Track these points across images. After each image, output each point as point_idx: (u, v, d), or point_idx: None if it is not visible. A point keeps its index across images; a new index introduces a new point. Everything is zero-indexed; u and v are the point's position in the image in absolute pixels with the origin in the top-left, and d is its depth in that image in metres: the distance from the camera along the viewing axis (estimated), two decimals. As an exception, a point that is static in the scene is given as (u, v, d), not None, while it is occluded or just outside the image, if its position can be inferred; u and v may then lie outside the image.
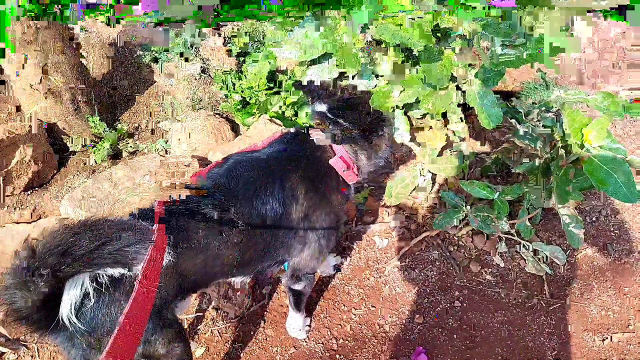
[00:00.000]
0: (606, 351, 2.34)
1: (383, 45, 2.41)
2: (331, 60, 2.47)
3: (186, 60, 4.46)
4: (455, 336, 2.44)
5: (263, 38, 4.53)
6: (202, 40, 4.59)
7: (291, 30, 2.47)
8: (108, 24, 4.66)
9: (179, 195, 1.69)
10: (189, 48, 4.51)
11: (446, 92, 2.42)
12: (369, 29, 2.34)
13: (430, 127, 2.84)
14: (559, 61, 2.16)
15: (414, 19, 2.21)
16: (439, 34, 2.32)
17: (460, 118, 2.69)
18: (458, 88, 2.47)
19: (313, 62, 2.53)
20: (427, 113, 2.56)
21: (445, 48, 2.25)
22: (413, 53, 2.34)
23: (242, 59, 4.44)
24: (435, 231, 2.86)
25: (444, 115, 2.66)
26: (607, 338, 2.38)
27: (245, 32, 4.61)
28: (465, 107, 2.58)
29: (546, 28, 2.12)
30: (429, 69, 2.23)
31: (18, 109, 3.85)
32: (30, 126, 3.53)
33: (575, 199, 2.40)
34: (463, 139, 2.89)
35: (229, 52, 4.53)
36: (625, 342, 2.36)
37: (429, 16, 2.22)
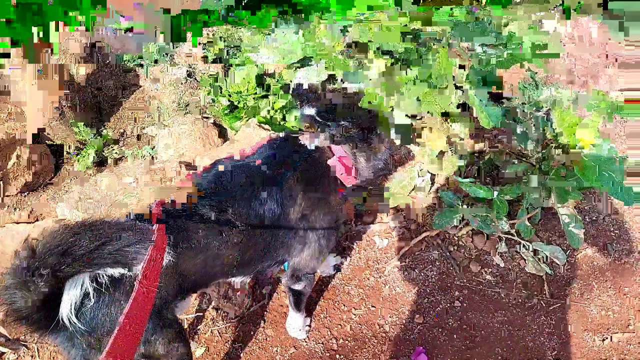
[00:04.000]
0: (606, 351, 2.34)
1: (364, 47, 2.39)
2: (320, 63, 2.45)
3: (172, 64, 4.41)
4: (455, 336, 2.44)
5: (240, 42, 4.44)
6: (176, 47, 4.51)
7: (268, 34, 2.45)
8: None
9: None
10: (163, 55, 4.43)
11: (445, 91, 2.41)
12: (348, 32, 2.33)
13: (430, 128, 2.84)
14: (548, 59, 2.17)
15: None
16: (410, 36, 2.31)
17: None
18: (457, 87, 2.47)
19: (302, 65, 2.52)
20: (429, 112, 2.56)
21: (431, 48, 2.25)
22: (400, 55, 2.34)
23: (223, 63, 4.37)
24: (435, 231, 2.86)
25: (444, 115, 2.66)
26: (607, 338, 2.39)
27: (220, 37, 4.52)
28: (464, 107, 2.58)
29: (515, 26, 2.12)
30: (427, 70, 2.23)
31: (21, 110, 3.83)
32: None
33: (574, 199, 2.40)
34: (462, 139, 2.89)
35: (205, 58, 4.44)
36: (625, 342, 2.36)
37: (403, 18, 2.22)
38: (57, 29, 2.74)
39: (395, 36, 2.15)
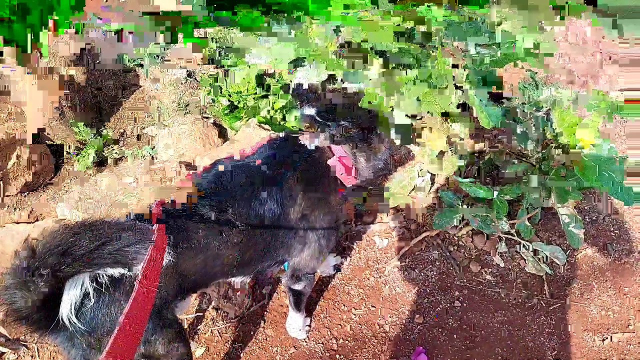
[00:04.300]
0: (606, 351, 2.34)
1: (361, 49, 2.38)
2: (313, 63, 2.44)
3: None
4: (455, 336, 2.44)
5: (232, 44, 4.39)
6: (167, 49, 4.47)
7: (261, 35, 2.44)
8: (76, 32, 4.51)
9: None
10: (155, 57, 4.40)
11: (445, 91, 2.41)
12: (340, 32, 2.32)
13: (430, 128, 2.84)
14: (543, 59, 2.16)
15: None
16: (405, 36, 2.30)
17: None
18: (457, 87, 2.46)
19: (295, 66, 2.51)
20: (429, 112, 2.56)
21: (432, 50, 2.24)
22: (394, 55, 2.32)
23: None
24: (435, 231, 2.86)
25: (444, 115, 2.66)
26: (607, 338, 2.39)
27: (212, 38, 4.49)
28: (464, 107, 2.58)
29: (508, 25, 2.12)
30: (427, 70, 2.23)
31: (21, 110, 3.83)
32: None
33: (574, 199, 2.40)
34: (462, 139, 2.89)
35: (204, 58, 4.40)
36: (625, 342, 2.36)
37: (396, 18, 2.21)
38: (46, 27, 2.73)
39: (388, 36, 2.14)
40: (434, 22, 2.16)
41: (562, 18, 2.21)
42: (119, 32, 3.76)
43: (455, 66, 2.23)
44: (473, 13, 2.21)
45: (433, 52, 2.22)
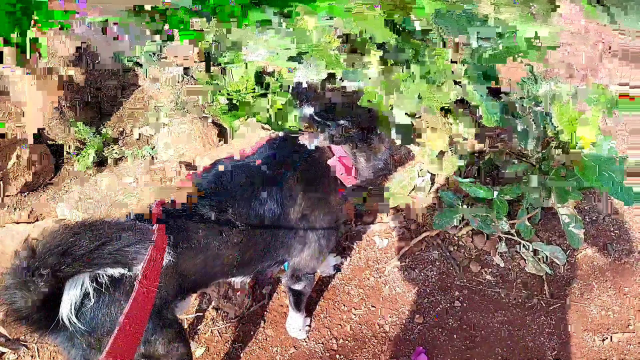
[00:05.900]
0: (606, 351, 2.34)
1: (357, 40, 2.35)
2: (311, 59, 2.41)
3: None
4: (455, 336, 2.44)
5: (227, 37, 4.34)
6: (164, 46, 4.44)
7: (258, 28, 2.41)
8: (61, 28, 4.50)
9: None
10: (151, 55, 4.38)
11: (444, 87, 2.39)
12: (332, 19, 2.29)
13: (432, 128, 2.83)
14: (545, 52, 2.12)
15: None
16: (398, 26, 2.27)
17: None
18: (456, 83, 2.45)
19: (300, 62, 2.49)
20: (430, 107, 2.54)
21: (428, 44, 2.22)
22: (391, 48, 2.29)
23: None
24: (435, 231, 2.86)
25: (443, 110, 2.65)
26: (607, 338, 2.39)
27: (208, 34, 4.44)
28: (462, 103, 2.57)
29: (506, 15, 2.10)
30: (427, 66, 2.22)
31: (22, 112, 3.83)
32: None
33: (574, 199, 2.40)
34: (465, 139, 2.89)
35: (199, 54, 4.37)
36: (625, 342, 2.36)
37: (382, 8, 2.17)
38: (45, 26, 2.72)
39: (379, 24, 2.11)
40: (419, 12, 2.13)
41: (557, 7, 2.17)
42: (103, 25, 3.72)
43: (454, 62, 2.22)
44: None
45: (429, 45, 2.20)
